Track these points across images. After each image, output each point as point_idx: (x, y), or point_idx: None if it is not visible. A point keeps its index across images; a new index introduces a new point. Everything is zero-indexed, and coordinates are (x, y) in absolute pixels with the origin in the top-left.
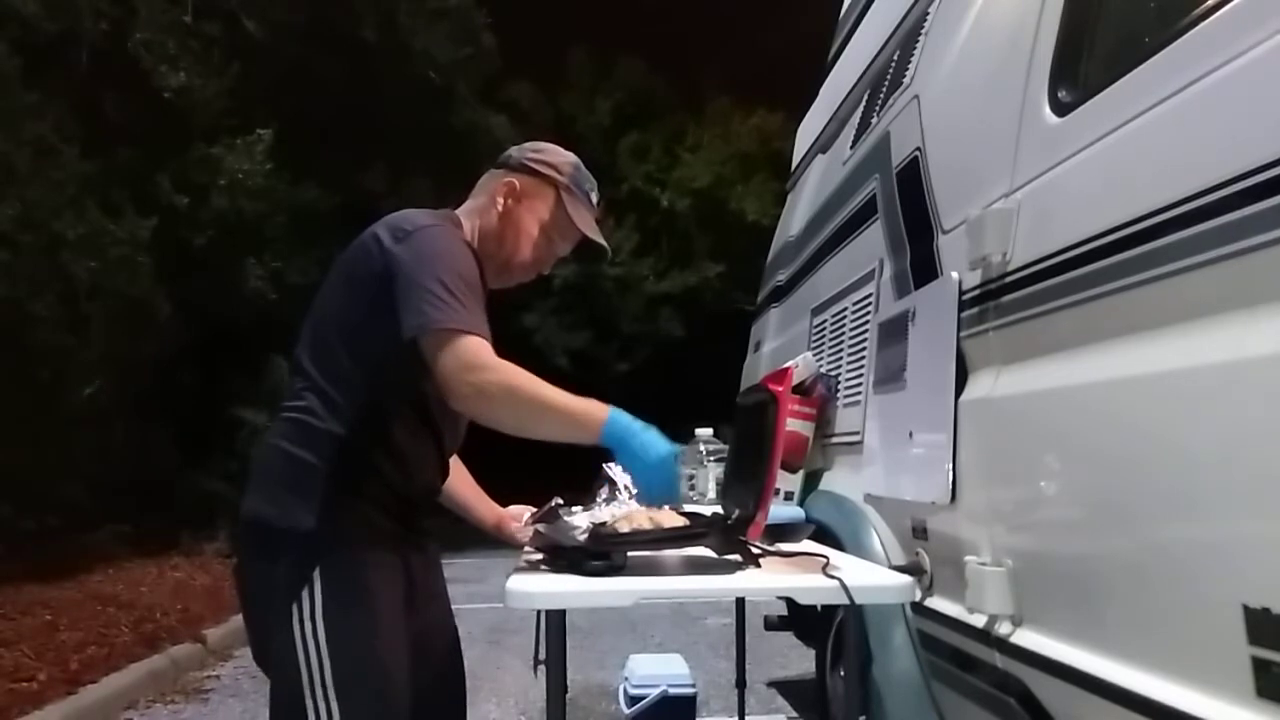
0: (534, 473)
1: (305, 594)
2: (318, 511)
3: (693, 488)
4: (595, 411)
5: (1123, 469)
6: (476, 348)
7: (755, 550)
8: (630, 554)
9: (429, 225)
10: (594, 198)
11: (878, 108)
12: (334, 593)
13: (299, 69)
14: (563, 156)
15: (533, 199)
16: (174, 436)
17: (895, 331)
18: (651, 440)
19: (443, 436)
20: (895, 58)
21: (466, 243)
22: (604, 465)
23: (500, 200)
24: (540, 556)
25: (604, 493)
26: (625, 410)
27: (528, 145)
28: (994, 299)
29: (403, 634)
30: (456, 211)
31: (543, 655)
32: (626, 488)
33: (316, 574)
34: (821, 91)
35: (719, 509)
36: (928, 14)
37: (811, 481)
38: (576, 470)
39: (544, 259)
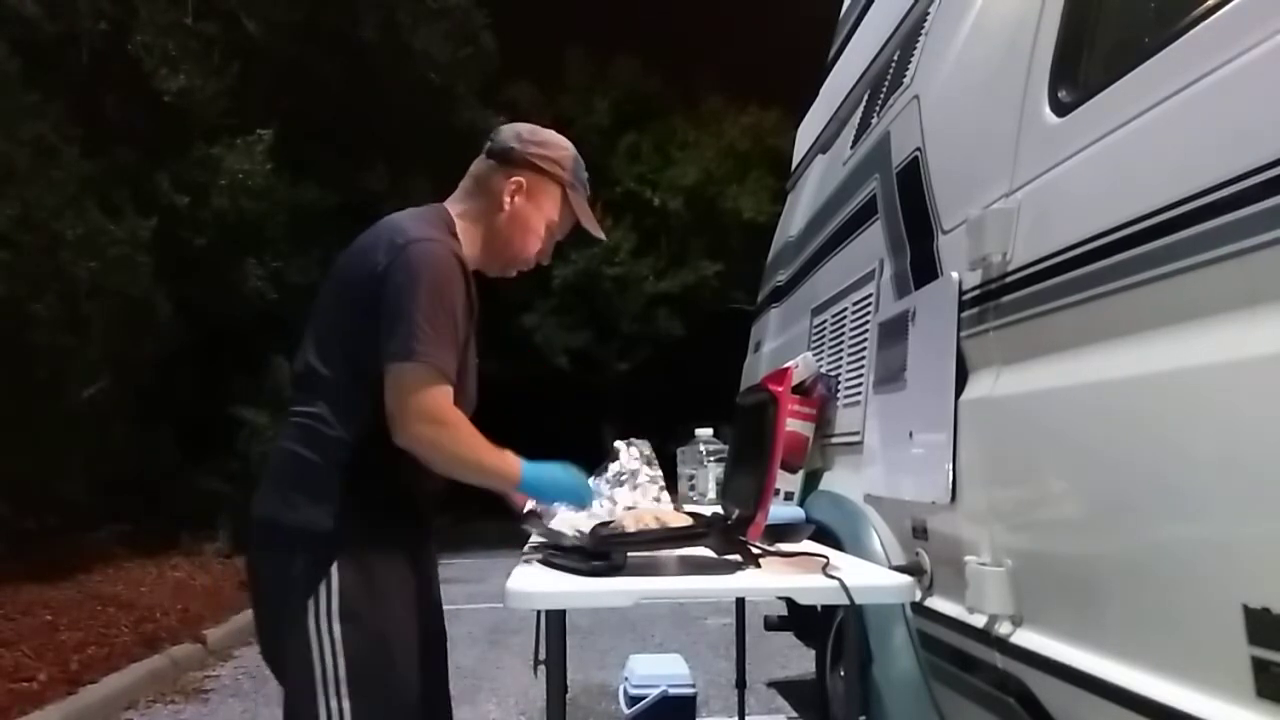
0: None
1: (322, 590)
2: (334, 513)
3: (693, 488)
4: (513, 471)
5: (1122, 469)
6: (442, 400)
7: (755, 550)
8: (630, 554)
9: (419, 240)
10: (586, 182)
11: (878, 108)
12: (349, 591)
13: (299, 69)
14: (564, 150)
15: (540, 197)
16: (174, 436)
17: (895, 331)
18: (563, 481)
19: None
20: (895, 58)
21: (458, 257)
22: (616, 444)
23: (507, 200)
24: (540, 556)
25: (613, 467)
26: (620, 408)
27: (526, 133)
28: (994, 299)
29: (415, 633)
30: (449, 205)
31: (543, 655)
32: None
33: (334, 570)
34: (821, 91)
35: (719, 509)
36: (928, 14)
37: (811, 481)
38: (582, 449)
39: (546, 251)
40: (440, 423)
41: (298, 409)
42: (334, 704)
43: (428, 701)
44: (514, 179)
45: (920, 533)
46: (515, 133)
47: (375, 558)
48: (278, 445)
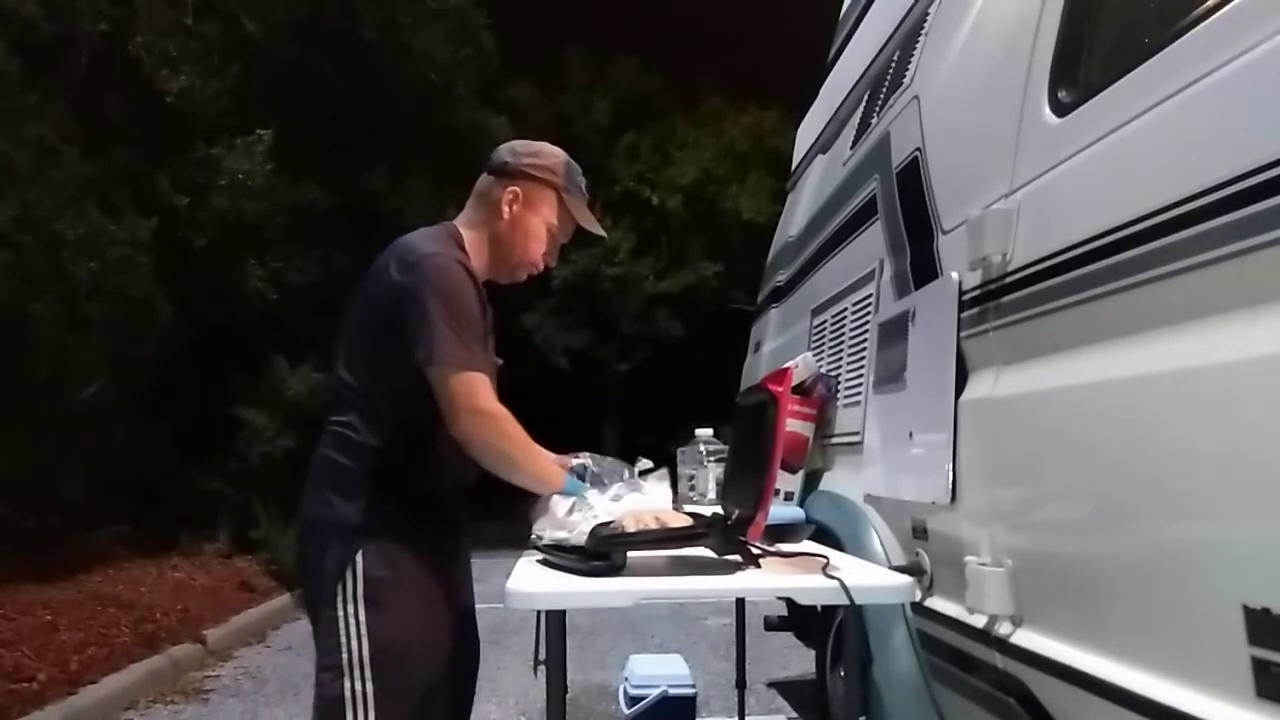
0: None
1: (349, 576)
2: (362, 508)
3: (693, 488)
4: (554, 479)
5: (1123, 469)
6: (480, 389)
7: (755, 550)
8: (631, 554)
9: (431, 254)
10: (583, 185)
11: (878, 108)
12: (373, 578)
13: (299, 69)
14: (555, 156)
15: (536, 204)
16: (174, 436)
17: (895, 332)
18: None
19: None
20: (895, 58)
21: (465, 266)
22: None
23: (506, 209)
24: (541, 556)
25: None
26: (620, 408)
27: (519, 146)
28: (994, 299)
29: (439, 622)
30: (456, 222)
31: (543, 655)
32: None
33: (359, 558)
34: (821, 92)
35: (719, 509)
36: (928, 14)
37: (811, 481)
38: (582, 449)
39: (550, 254)
40: (481, 413)
41: (333, 419)
42: (358, 686)
43: (450, 694)
44: (510, 189)
45: (920, 533)
46: (509, 148)
47: (398, 548)
48: (317, 451)
